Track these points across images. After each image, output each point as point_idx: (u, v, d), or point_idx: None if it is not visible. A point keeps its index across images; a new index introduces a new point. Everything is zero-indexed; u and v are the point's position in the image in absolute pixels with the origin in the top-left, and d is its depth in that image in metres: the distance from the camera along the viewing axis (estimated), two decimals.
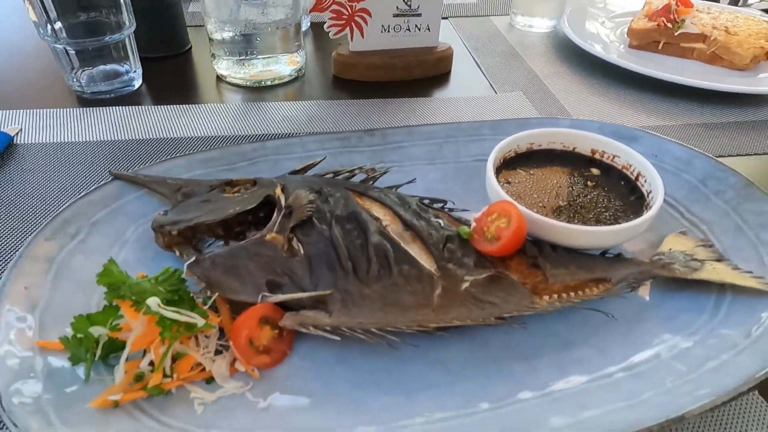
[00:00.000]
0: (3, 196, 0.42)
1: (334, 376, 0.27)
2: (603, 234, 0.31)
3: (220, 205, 0.32)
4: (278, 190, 0.33)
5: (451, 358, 0.28)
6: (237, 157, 0.39)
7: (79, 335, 0.25)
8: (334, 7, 0.57)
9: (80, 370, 0.26)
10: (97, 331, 0.25)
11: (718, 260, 0.32)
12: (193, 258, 0.29)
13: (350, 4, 0.57)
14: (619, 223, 0.32)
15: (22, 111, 0.52)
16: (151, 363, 0.26)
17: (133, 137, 0.49)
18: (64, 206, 0.32)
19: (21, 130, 0.50)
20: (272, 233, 0.30)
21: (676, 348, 0.28)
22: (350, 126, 0.53)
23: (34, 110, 0.53)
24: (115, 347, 0.26)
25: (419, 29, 0.61)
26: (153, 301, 0.24)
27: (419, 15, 0.60)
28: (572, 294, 0.29)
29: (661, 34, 0.64)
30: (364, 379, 0.27)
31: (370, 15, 0.59)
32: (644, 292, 0.32)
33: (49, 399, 0.23)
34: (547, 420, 0.24)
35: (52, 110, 0.53)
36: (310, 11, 0.57)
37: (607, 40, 0.68)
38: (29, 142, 0.49)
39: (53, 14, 0.50)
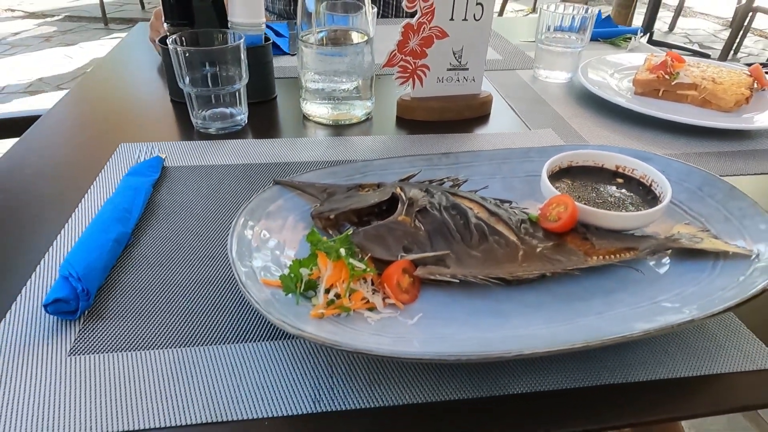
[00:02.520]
0: (168, 202, 0.55)
1: (451, 309, 0.40)
2: (631, 217, 0.45)
3: (361, 198, 0.46)
4: (398, 190, 0.46)
5: (529, 300, 0.41)
6: (353, 171, 0.53)
7: (292, 274, 0.38)
8: (402, 63, 0.73)
9: (286, 298, 0.38)
10: (304, 271, 0.38)
11: (714, 237, 0.45)
12: (352, 231, 0.42)
13: (414, 61, 0.73)
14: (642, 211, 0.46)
15: (163, 143, 0.67)
16: (336, 295, 0.38)
17: (244, 163, 0.63)
18: (249, 201, 0.46)
19: (166, 156, 0.64)
20: (402, 216, 0.43)
21: (686, 291, 0.41)
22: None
23: (171, 142, 0.67)
24: (310, 285, 0.39)
25: (466, 80, 0.76)
26: (343, 251, 0.38)
27: (467, 69, 0.76)
28: (612, 256, 0.42)
29: (661, 84, 0.80)
30: (472, 310, 0.40)
31: (429, 69, 0.74)
32: (662, 259, 0.45)
33: (281, 309, 0.36)
34: (602, 328, 0.37)
35: (183, 142, 0.68)
36: (383, 67, 0.72)
37: (616, 89, 0.83)
38: (172, 165, 0.63)
39: (186, 69, 0.65)
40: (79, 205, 0.54)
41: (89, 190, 0.56)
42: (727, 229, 0.46)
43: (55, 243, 0.49)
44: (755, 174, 0.64)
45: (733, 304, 0.36)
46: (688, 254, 0.45)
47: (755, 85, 0.80)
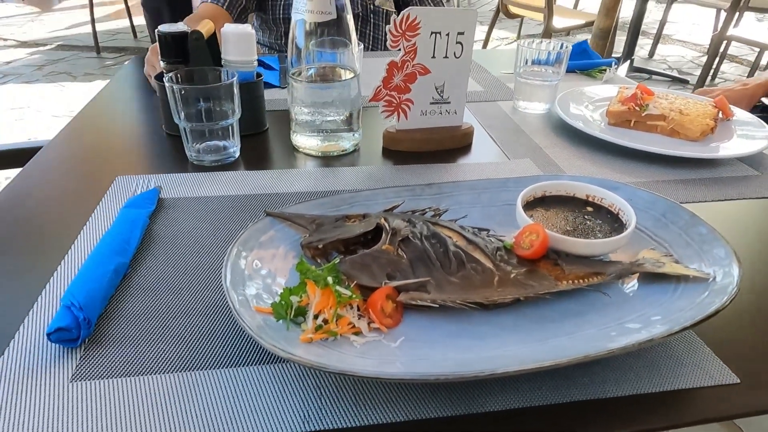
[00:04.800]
0: (164, 232, 0.58)
1: (432, 333, 0.43)
2: (598, 244, 0.48)
3: (347, 229, 0.49)
4: (383, 220, 0.49)
5: (504, 323, 0.44)
6: (340, 202, 0.56)
7: (282, 302, 0.41)
8: (387, 97, 0.77)
9: (277, 324, 0.41)
10: (294, 299, 0.41)
11: (676, 262, 0.49)
12: (339, 260, 0.45)
13: (399, 95, 0.77)
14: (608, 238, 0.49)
15: (158, 175, 0.70)
16: (323, 320, 0.41)
17: (237, 194, 0.66)
18: (242, 232, 0.49)
19: (161, 187, 0.67)
20: (386, 245, 0.46)
21: (649, 313, 0.44)
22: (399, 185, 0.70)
23: (166, 174, 0.70)
24: (299, 311, 0.41)
25: (449, 113, 0.81)
26: (330, 279, 0.41)
27: (449, 102, 0.80)
28: (581, 281, 0.46)
29: (632, 115, 0.84)
30: (451, 333, 0.43)
31: (412, 103, 0.78)
32: (628, 283, 0.48)
33: (272, 334, 0.39)
34: (572, 347, 0.40)
35: (178, 174, 0.71)
36: (370, 101, 0.76)
37: (590, 120, 0.88)
38: (168, 197, 0.66)
39: (181, 105, 0.68)
40: (79, 236, 0.57)
41: (88, 222, 0.59)
42: (687, 253, 0.50)
43: (55, 273, 0.51)
44: (719, 200, 0.68)
45: (689, 324, 0.39)
46: (652, 278, 0.48)
47: (720, 116, 0.85)
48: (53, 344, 0.43)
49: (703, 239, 0.50)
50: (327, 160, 0.77)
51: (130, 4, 4.12)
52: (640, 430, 0.39)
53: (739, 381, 0.42)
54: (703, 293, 0.44)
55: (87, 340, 0.44)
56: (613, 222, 0.53)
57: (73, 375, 0.41)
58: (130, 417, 0.38)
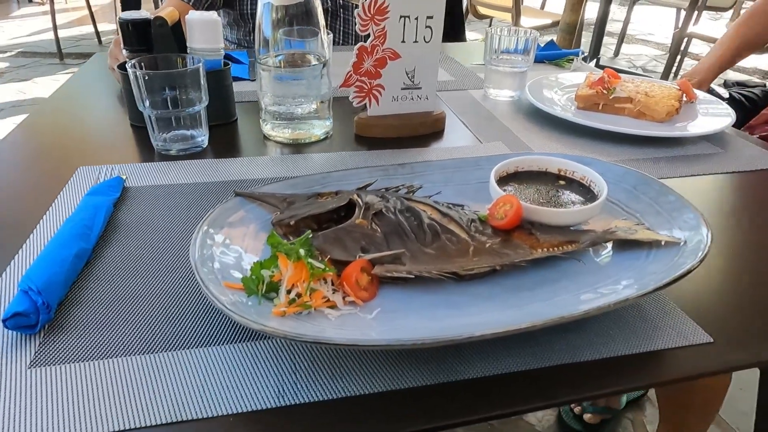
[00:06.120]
0: (129, 219, 0.56)
1: (408, 304, 0.42)
2: (571, 213, 0.48)
3: (319, 205, 0.48)
4: (355, 196, 0.49)
5: (480, 293, 0.43)
6: (312, 182, 0.55)
7: (253, 276, 0.39)
8: (358, 83, 0.76)
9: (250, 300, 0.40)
10: (265, 273, 0.39)
11: (648, 229, 0.49)
12: (312, 235, 0.44)
13: (369, 81, 0.76)
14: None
15: (123, 165, 0.67)
16: (297, 294, 0.40)
17: (205, 181, 0.65)
18: (211, 211, 0.47)
19: (127, 177, 0.65)
20: (359, 219, 0.46)
21: (623, 278, 0.44)
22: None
23: (132, 164, 0.68)
24: (271, 287, 0.40)
25: (420, 98, 0.80)
26: (303, 252, 0.39)
27: (420, 88, 0.79)
28: (555, 249, 0.46)
29: (600, 98, 0.86)
30: (428, 304, 0.42)
31: (384, 89, 0.78)
32: (602, 251, 0.48)
33: (244, 309, 0.37)
34: (547, 312, 0.39)
35: (143, 164, 0.68)
36: (340, 87, 0.75)
37: (560, 104, 0.89)
38: (133, 185, 0.63)
39: (146, 92, 0.66)
40: (39, 224, 0.54)
41: (48, 211, 0.56)
42: (658, 221, 0.51)
43: (12, 262, 0.49)
44: (685, 176, 0.69)
45: (663, 283, 0.39)
46: (625, 245, 0.48)
47: (684, 98, 0.87)
48: (9, 331, 0.41)
49: (672, 207, 0.51)
50: (298, 147, 0.76)
51: (93, 9, 4.03)
52: (617, 391, 0.39)
53: (712, 340, 0.42)
54: (675, 256, 0.44)
55: (47, 326, 0.42)
56: (586, 193, 0.53)
57: (31, 361, 0.39)
58: (95, 401, 0.36)
